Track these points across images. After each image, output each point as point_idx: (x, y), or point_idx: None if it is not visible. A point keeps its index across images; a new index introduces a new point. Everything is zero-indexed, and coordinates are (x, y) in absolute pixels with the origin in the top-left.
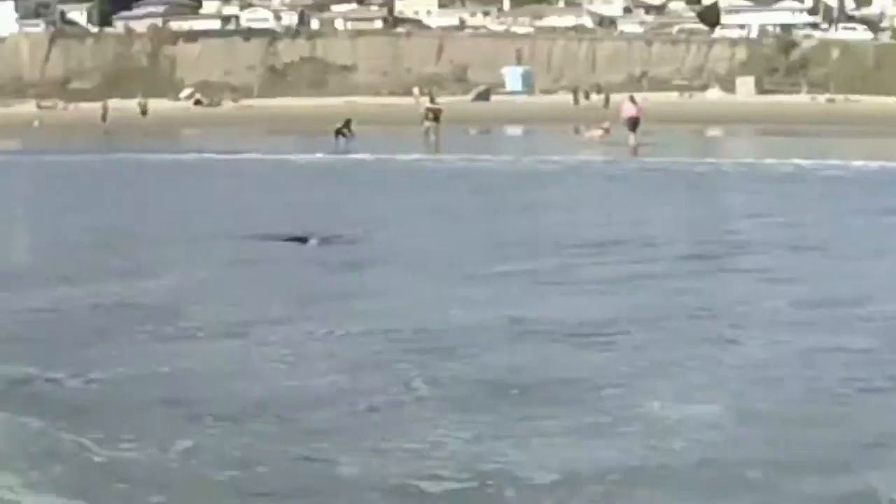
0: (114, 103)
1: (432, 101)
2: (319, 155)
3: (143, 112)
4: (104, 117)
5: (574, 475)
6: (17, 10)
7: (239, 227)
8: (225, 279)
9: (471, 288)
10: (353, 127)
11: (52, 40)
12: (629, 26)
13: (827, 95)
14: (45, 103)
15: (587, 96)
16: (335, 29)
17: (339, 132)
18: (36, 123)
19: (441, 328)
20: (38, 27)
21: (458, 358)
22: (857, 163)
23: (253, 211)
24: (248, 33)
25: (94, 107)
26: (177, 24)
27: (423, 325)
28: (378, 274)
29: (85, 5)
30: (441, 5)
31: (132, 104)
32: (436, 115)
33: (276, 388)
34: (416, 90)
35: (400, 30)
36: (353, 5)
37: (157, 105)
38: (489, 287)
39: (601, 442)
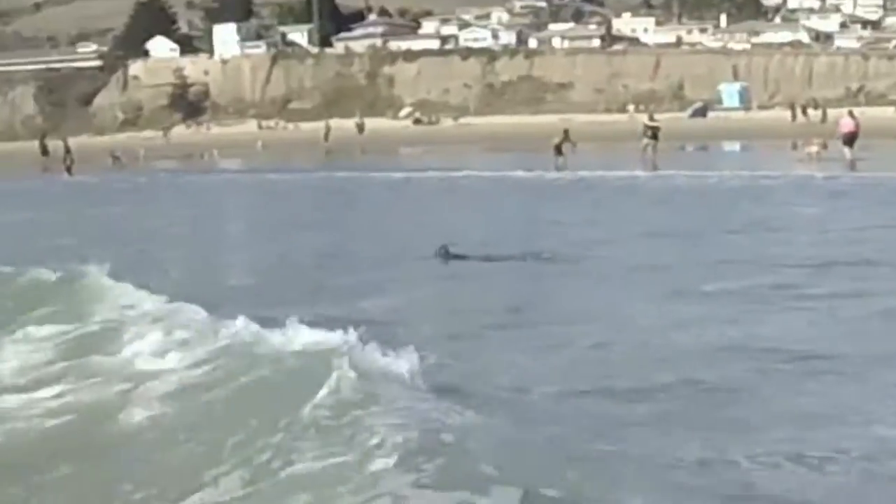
0: (333, 123)
1: (651, 118)
2: (538, 172)
3: (360, 130)
4: (326, 137)
5: None
6: (239, 32)
7: (460, 245)
8: (441, 297)
9: (686, 306)
10: (571, 140)
11: (273, 61)
12: (845, 41)
13: None
14: (266, 123)
15: (804, 112)
16: (552, 47)
17: (558, 148)
18: (259, 144)
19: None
20: (260, 49)
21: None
22: None
23: (472, 229)
24: (467, 52)
25: (315, 126)
26: (395, 45)
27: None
28: (598, 293)
29: (305, 27)
30: (658, 23)
31: (351, 123)
32: (654, 133)
33: None
34: (630, 108)
35: (617, 47)
36: (571, 24)
37: (377, 124)
38: (704, 306)
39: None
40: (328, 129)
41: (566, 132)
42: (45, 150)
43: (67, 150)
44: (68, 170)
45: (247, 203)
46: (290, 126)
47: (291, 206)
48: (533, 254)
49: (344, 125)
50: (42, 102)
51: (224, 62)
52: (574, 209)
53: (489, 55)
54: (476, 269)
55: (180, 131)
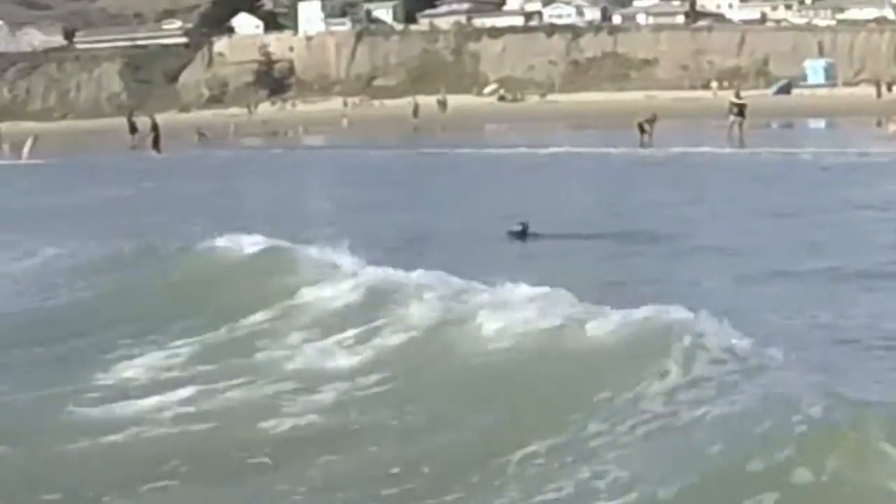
0: (419, 100)
1: (737, 95)
2: (628, 149)
3: (443, 107)
4: (416, 113)
5: None
6: (323, 9)
7: (546, 222)
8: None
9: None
10: (656, 122)
11: (357, 38)
12: None
13: None
14: (351, 100)
15: (889, 88)
16: (637, 24)
17: (641, 126)
18: (344, 121)
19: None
20: (345, 25)
21: None
22: None
23: (558, 206)
24: (551, 29)
25: (399, 103)
26: (480, 21)
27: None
28: (680, 272)
29: (390, 3)
30: None
31: (435, 100)
32: (740, 110)
33: None
34: (714, 84)
35: (701, 23)
36: (656, 0)
37: (461, 101)
38: (799, 285)
39: None
40: (417, 105)
41: (654, 116)
42: (133, 128)
43: (155, 127)
44: (156, 146)
45: (333, 180)
46: (376, 103)
47: (378, 182)
48: (616, 232)
49: (429, 102)
50: (127, 79)
51: (309, 39)
52: (662, 186)
53: (574, 32)
54: (551, 247)
55: (265, 108)
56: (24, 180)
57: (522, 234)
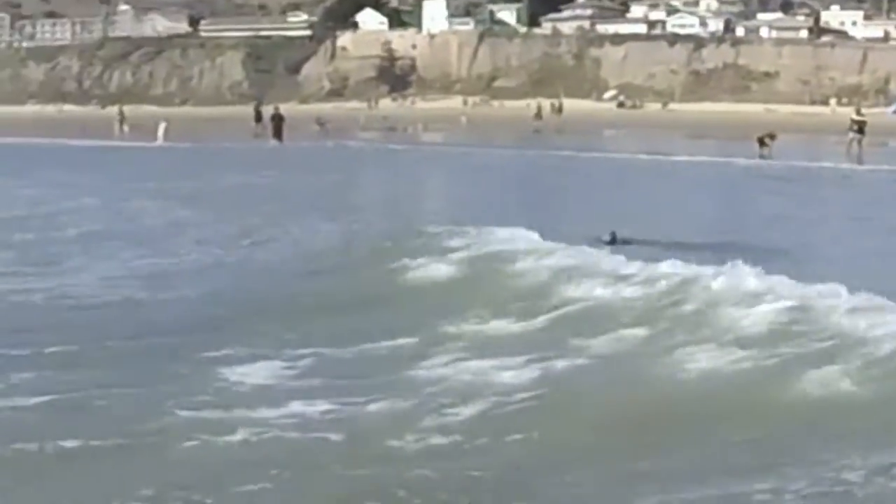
0: (538, 102)
1: (858, 112)
2: (741, 160)
3: (559, 111)
4: (538, 115)
5: None
6: (448, 8)
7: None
8: None
9: None
10: (776, 138)
11: (480, 38)
12: None
13: None
14: (472, 99)
15: None
16: (760, 37)
17: (761, 140)
18: (463, 120)
19: None
20: (468, 25)
21: None
22: None
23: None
24: (674, 38)
25: (519, 104)
26: (603, 27)
27: None
28: None
29: (514, 5)
30: (866, 16)
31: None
32: (860, 127)
33: None
34: (832, 101)
35: (825, 39)
36: (779, 14)
37: (580, 105)
38: None
39: None
40: (540, 107)
41: (774, 134)
42: (258, 116)
43: (278, 117)
44: (277, 136)
45: (456, 177)
46: (495, 103)
47: (493, 183)
48: (715, 244)
49: (548, 105)
50: (249, 69)
51: (432, 37)
52: (780, 199)
53: (696, 42)
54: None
55: (386, 104)
56: (161, 162)
57: (612, 242)
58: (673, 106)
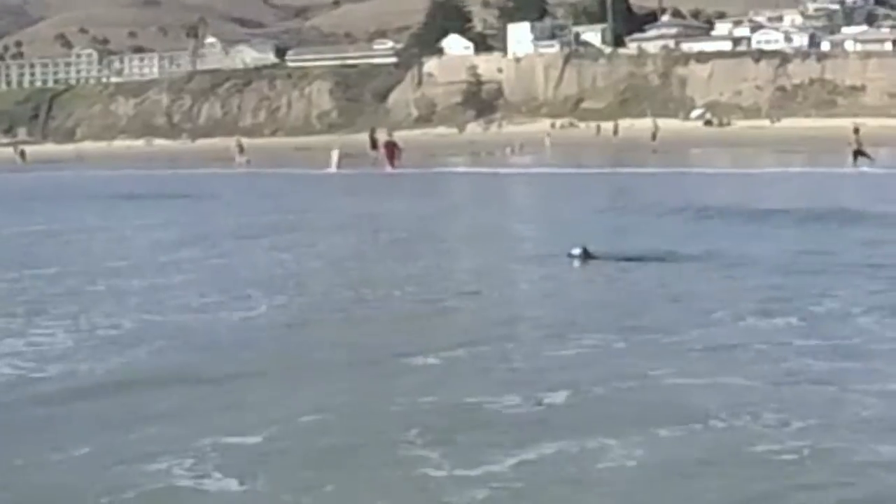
0: (623, 123)
1: None
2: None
3: (654, 137)
4: (654, 135)
5: None
6: (533, 31)
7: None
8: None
9: None
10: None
11: (566, 60)
12: None
13: None
14: (559, 121)
15: None
16: (845, 50)
17: (857, 153)
18: (546, 142)
19: None
20: (553, 48)
21: None
22: None
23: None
24: (759, 55)
25: (606, 126)
26: (688, 46)
27: None
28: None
29: (599, 27)
30: None
31: (642, 124)
32: None
33: None
34: None
35: None
36: (864, 27)
37: (667, 125)
38: None
39: None
40: (656, 127)
41: (856, 130)
42: (374, 144)
43: (394, 145)
44: (391, 162)
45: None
46: (582, 125)
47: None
48: (692, 255)
49: (635, 125)
50: (338, 97)
51: (517, 60)
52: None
53: (781, 57)
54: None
55: (472, 128)
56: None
57: (585, 256)
58: (760, 122)
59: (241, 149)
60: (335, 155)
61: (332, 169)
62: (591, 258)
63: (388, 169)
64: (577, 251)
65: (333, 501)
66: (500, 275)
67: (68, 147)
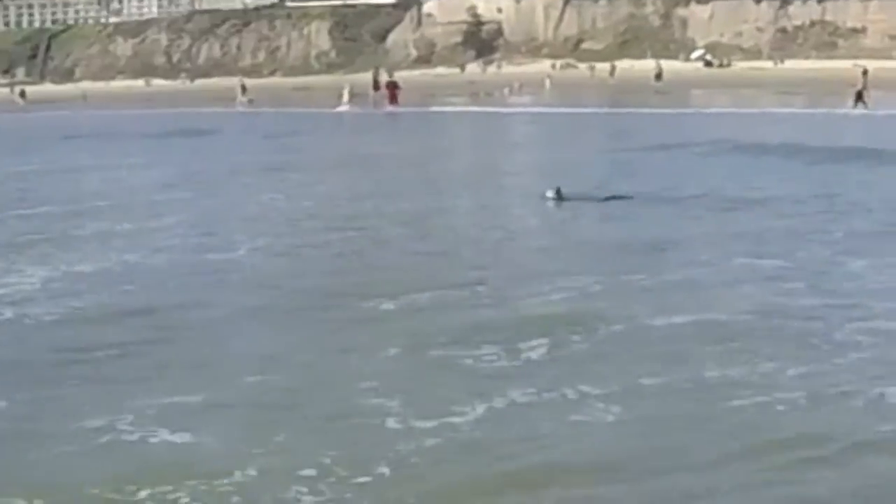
0: (623, 64)
1: None
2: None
3: (658, 78)
4: (659, 76)
5: None
6: None
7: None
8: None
9: None
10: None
11: (566, 1)
12: None
13: None
14: (558, 63)
15: None
16: None
17: (859, 94)
18: (546, 83)
19: None
20: None
21: None
22: None
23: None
24: None
25: (605, 67)
26: None
27: None
28: None
29: None
30: None
31: (642, 65)
32: None
33: None
34: None
35: None
36: None
37: (667, 66)
38: None
39: None
40: (660, 68)
41: (864, 73)
42: (377, 85)
43: (396, 85)
44: (394, 101)
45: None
46: (582, 66)
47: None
48: (646, 194)
49: (635, 66)
50: (336, 38)
51: (517, 1)
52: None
53: None
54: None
55: (472, 69)
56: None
57: (558, 197)
58: (760, 63)
59: (244, 89)
60: (346, 93)
61: (345, 107)
62: (564, 200)
63: (389, 108)
64: (550, 193)
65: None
66: (478, 215)
67: (70, 87)
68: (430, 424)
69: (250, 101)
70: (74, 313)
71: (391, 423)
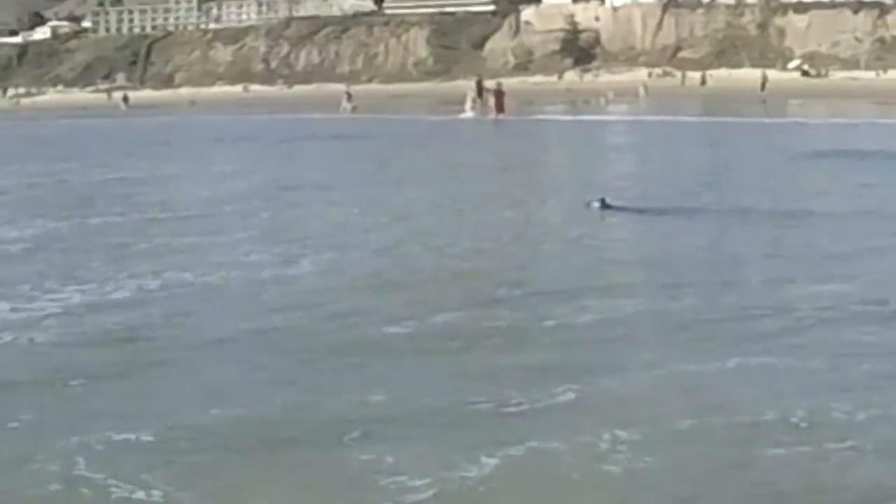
0: (720, 73)
1: None
2: None
3: (763, 86)
4: (763, 86)
5: None
6: None
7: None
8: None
9: None
10: None
11: (664, 9)
12: None
13: None
14: (657, 71)
15: None
16: None
17: None
18: (641, 92)
19: None
20: None
21: None
22: None
23: None
24: (857, 5)
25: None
26: None
27: None
28: None
29: None
30: None
31: (737, 73)
32: None
33: None
34: None
35: None
36: None
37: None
38: None
39: None
40: (765, 77)
41: None
42: (480, 91)
43: (502, 93)
44: (500, 109)
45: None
46: (678, 74)
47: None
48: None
49: (730, 75)
50: (434, 45)
51: (615, 9)
52: None
53: (881, 8)
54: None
55: (570, 77)
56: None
57: (603, 206)
58: (857, 73)
59: (350, 96)
60: (469, 99)
61: (468, 114)
62: (609, 208)
63: (495, 115)
64: (596, 203)
65: None
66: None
67: (169, 92)
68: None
69: (354, 108)
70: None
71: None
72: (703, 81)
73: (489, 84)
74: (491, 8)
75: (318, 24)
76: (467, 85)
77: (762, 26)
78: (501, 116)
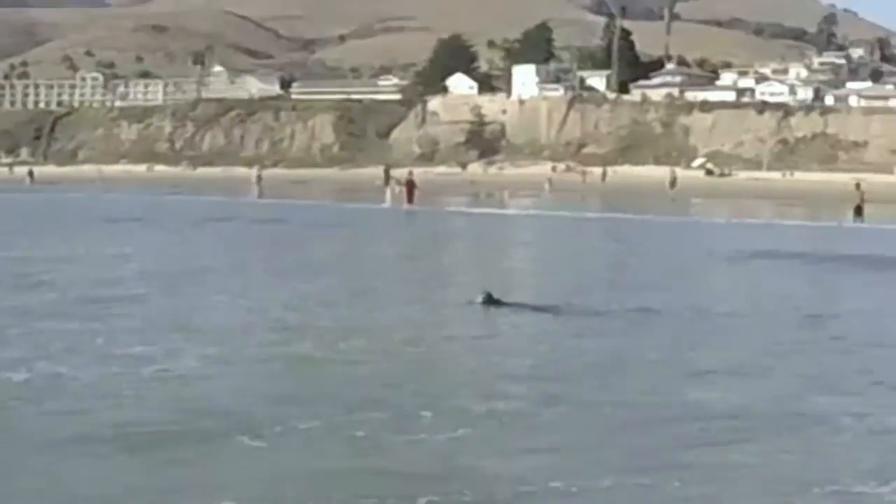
0: (623, 169)
1: None
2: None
3: (672, 185)
4: (673, 183)
5: None
6: (538, 74)
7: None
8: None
9: None
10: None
11: (570, 104)
12: None
13: None
14: (560, 166)
15: None
16: (849, 105)
17: (858, 209)
18: (546, 186)
19: None
20: (558, 91)
21: None
22: None
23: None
24: (762, 106)
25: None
26: (692, 94)
27: None
28: None
29: (604, 72)
30: None
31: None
32: None
33: None
34: None
35: None
36: (869, 83)
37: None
38: None
39: None
40: (675, 176)
41: (858, 186)
42: (387, 180)
43: (413, 184)
44: (410, 200)
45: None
46: (587, 170)
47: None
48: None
49: (633, 172)
50: (340, 131)
51: (522, 102)
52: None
53: (785, 110)
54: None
55: (474, 168)
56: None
57: (489, 301)
58: (760, 174)
59: (260, 179)
60: (389, 192)
61: (388, 203)
62: (495, 304)
63: (406, 206)
64: (479, 298)
65: None
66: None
67: (71, 169)
68: None
69: (261, 193)
70: None
71: None
72: (604, 177)
73: (398, 174)
74: (397, 97)
75: (224, 106)
76: (374, 173)
77: (667, 124)
78: (410, 207)
